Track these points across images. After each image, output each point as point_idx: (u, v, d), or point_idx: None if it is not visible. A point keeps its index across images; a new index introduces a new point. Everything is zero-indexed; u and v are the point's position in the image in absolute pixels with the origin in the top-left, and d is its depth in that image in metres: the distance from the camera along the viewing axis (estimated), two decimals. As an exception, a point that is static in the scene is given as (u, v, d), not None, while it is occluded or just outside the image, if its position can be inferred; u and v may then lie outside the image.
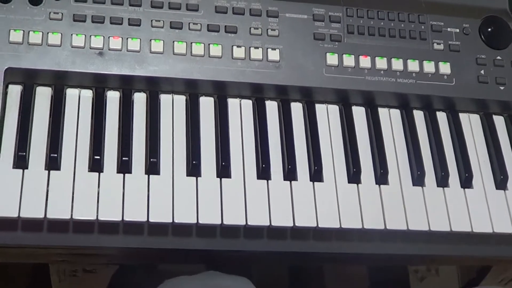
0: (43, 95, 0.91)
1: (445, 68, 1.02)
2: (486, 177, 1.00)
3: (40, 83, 0.92)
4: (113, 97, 0.94)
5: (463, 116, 1.05)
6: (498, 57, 1.05)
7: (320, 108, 1.00)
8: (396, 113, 1.03)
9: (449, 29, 1.05)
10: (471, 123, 1.05)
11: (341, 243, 0.94)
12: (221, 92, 0.97)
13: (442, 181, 0.97)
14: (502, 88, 1.03)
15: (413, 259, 1.11)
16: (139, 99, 0.95)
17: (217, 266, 0.99)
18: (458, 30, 1.05)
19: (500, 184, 0.99)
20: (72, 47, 0.91)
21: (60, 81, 0.92)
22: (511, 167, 1.02)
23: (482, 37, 1.05)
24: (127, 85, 0.94)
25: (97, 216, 0.83)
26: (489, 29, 1.06)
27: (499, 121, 1.06)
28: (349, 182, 0.95)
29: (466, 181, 0.98)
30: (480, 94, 1.03)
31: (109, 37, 0.93)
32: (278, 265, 1.33)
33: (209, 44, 0.96)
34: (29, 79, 0.91)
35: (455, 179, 0.99)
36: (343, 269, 1.44)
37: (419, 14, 1.05)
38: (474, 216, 0.96)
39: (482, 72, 1.03)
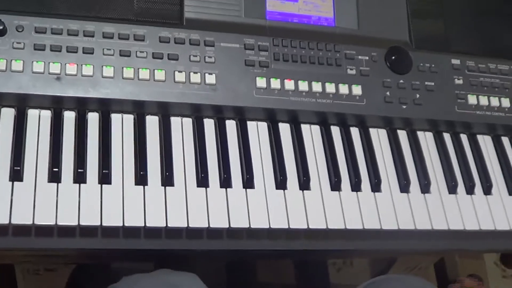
0: (7, 115, 0.92)
1: (357, 90, 1.06)
2: (392, 182, 1.04)
3: (4, 104, 0.92)
4: (69, 117, 0.95)
5: (372, 131, 1.09)
6: (401, 81, 1.08)
7: (251, 125, 1.03)
8: (316, 128, 1.06)
9: (360, 57, 1.08)
10: (379, 136, 1.09)
11: (270, 241, 0.97)
12: (165, 111, 0.99)
13: (356, 186, 1.01)
14: (404, 107, 1.07)
15: (331, 254, 1.14)
16: (93, 118, 0.96)
17: (165, 264, 1.00)
18: (367, 58, 1.08)
19: (404, 187, 1.04)
20: (33, 72, 0.92)
21: (22, 103, 0.93)
22: (413, 173, 1.06)
23: (388, 64, 1.09)
24: (82, 106, 0.95)
25: (56, 221, 0.85)
26: (393, 57, 1.09)
27: (402, 135, 1.10)
28: (276, 188, 0.98)
29: (376, 186, 1.02)
30: (386, 112, 1.07)
31: (65, 64, 0.93)
32: (217, 261, 1.33)
33: (154, 70, 0.97)
34: (-5, 102, 0.91)
35: (366, 184, 1.03)
36: (273, 263, 1.47)
37: (334, 44, 1.07)
38: (383, 215, 1.00)
39: (388, 93, 1.07)
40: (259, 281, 1.43)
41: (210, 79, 1.00)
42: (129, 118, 0.98)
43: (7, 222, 0.83)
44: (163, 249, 0.94)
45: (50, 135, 0.93)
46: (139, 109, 0.98)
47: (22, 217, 0.84)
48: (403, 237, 1.03)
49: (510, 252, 1.29)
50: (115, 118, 0.97)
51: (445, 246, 1.06)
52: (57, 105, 0.95)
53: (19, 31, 0.94)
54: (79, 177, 0.89)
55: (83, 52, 0.95)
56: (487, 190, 1.09)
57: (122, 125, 0.97)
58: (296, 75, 1.04)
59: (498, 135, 1.16)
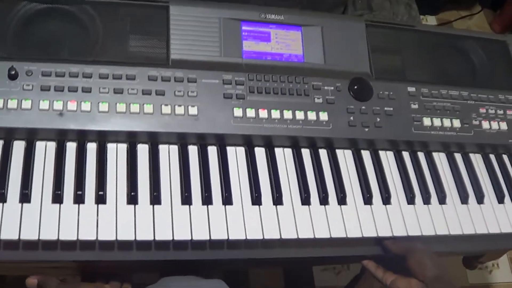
0: (18, 147, 0.94)
1: (324, 116, 1.05)
2: (356, 196, 1.04)
3: (16, 137, 0.94)
4: (71, 147, 0.95)
5: (339, 152, 1.08)
6: (363, 107, 1.08)
7: (230, 150, 1.02)
8: (288, 151, 1.05)
9: (326, 87, 1.08)
10: (345, 156, 1.08)
11: (247, 250, 0.97)
12: (154, 140, 0.98)
13: (324, 200, 1.01)
14: (366, 130, 1.06)
15: (303, 260, 1.09)
16: (91, 148, 0.96)
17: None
18: (332, 88, 1.08)
19: (367, 200, 1.03)
20: (39, 110, 0.93)
21: (31, 136, 0.94)
22: (375, 188, 1.06)
23: (351, 92, 1.08)
24: (81, 137, 0.96)
25: (58, 236, 0.86)
26: (355, 87, 1.09)
27: (366, 155, 1.09)
28: (252, 204, 0.97)
29: (342, 200, 1.02)
30: (350, 135, 1.06)
31: (67, 101, 0.94)
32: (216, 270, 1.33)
33: (143, 104, 0.97)
34: (8, 135, 0.93)
35: (333, 198, 1.02)
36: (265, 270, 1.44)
37: (303, 77, 1.07)
38: (348, 225, 0.99)
39: (352, 118, 1.06)
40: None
41: (193, 110, 1.00)
42: (122, 147, 0.98)
43: (17, 238, 0.85)
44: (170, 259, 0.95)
45: (54, 163, 0.94)
46: (131, 139, 0.98)
47: (29, 233, 0.86)
48: (367, 243, 1.03)
49: (466, 255, 1.26)
50: (111, 147, 0.98)
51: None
52: (60, 137, 0.96)
53: (28, 75, 0.95)
54: (78, 199, 0.91)
55: (82, 91, 0.96)
56: (442, 200, 1.08)
57: (116, 153, 0.98)
58: (269, 105, 1.04)
59: (451, 152, 1.15)
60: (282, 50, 1.10)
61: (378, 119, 1.09)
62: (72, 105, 0.95)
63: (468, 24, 2.39)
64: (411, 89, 1.13)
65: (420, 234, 1.02)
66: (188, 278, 0.96)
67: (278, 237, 0.95)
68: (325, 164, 1.06)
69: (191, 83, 1.02)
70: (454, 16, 2.37)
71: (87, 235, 0.88)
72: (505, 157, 1.18)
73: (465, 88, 1.17)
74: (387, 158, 1.11)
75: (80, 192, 0.91)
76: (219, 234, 0.93)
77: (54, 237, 0.86)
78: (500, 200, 1.12)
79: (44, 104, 0.94)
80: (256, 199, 0.98)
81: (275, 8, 1.12)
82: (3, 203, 0.88)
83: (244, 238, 0.94)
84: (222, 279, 1.04)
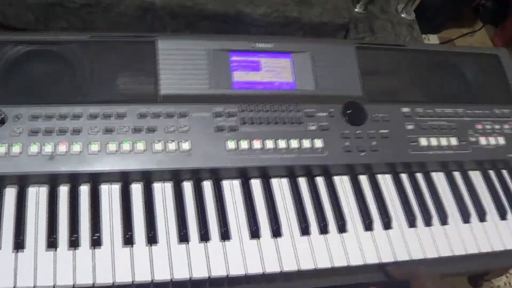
0: (9, 194, 0.93)
1: (318, 143, 1.04)
2: (357, 222, 1.03)
3: (7, 184, 0.93)
4: (63, 190, 0.95)
5: (336, 178, 1.07)
6: (358, 131, 1.07)
7: (225, 184, 1.01)
8: (285, 181, 1.04)
9: (319, 114, 1.07)
10: (343, 183, 1.07)
11: (249, 285, 0.96)
12: (147, 178, 0.97)
13: (323, 229, 1.00)
14: (362, 154, 1.05)
15: None
16: (84, 190, 0.95)
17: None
18: (326, 114, 1.07)
19: (368, 226, 1.02)
20: (29, 154, 0.92)
21: (22, 182, 0.93)
22: (375, 213, 1.04)
23: (345, 117, 1.08)
24: (73, 180, 0.95)
25: (54, 283, 0.85)
26: (349, 111, 1.08)
27: (363, 180, 1.08)
28: (251, 238, 0.97)
29: (342, 227, 1.01)
30: (346, 160, 1.05)
31: (57, 144, 0.93)
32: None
33: (134, 142, 0.96)
34: (-2, 183, 0.93)
35: (333, 226, 1.01)
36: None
37: (295, 104, 1.06)
38: (350, 252, 0.98)
39: (347, 143, 1.05)
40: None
41: (185, 146, 0.99)
42: (116, 188, 0.97)
43: (12, 286, 0.84)
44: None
45: (47, 208, 0.93)
46: (124, 179, 0.97)
47: (25, 282, 0.85)
48: (370, 270, 1.02)
49: (471, 274, 1.24)
50: (104, 188, 0.97)
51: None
52: (52, 181, 0.95)
53: (16, 120, 0.95)
54: (73, 243, 0.90)
55: (72, 133, 0.96)
56: (443, 220, 1.07)
57: (110, 194, 0.97)
58: (262, 135, 1.03)
59: (450, 171, 1.14)
60: (272, 79, 1.09)
61: (374, 143, 1.08)
62: (62, 148, 0.94)
63: (470, 41, 2.40)
64: (406, 109, 1.13)
65: (423, 257, 1.01)
66: None
67: (279, 270, 0.95)
68: (322, 192, 1.06)
69: (182, 118, 1.01)
70: (456, 34, 2.37)
71: (84, 279, 0.87)
72: (504, 172, 1.18)
73: (460, 105, 1.17)
74: (385, 181, 1.10)
75: (75, 237, 0.90)
76: (218, 270, 0.92)
77: (50, 284, 0.85)
78: (502, 216, 1.11)
79: (34, 148, 0.93)
80: (255, 233, 0.97)
81: (263, 36, 1.12)
82: (-3, 252, 0.87)
83: (244, 273, 0.93)
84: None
